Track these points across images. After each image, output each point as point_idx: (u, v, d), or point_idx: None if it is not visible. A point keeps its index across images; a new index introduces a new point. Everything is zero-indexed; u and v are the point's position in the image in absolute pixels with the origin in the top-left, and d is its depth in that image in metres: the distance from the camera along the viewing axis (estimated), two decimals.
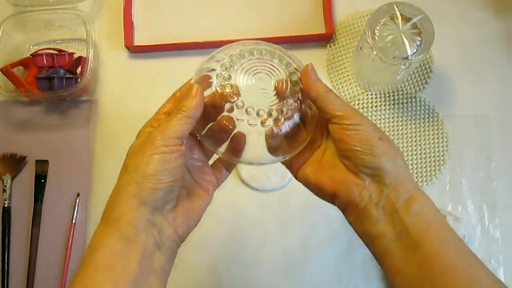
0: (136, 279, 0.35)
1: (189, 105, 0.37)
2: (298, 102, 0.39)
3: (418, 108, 0.69)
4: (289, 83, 0.39)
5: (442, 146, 0.67)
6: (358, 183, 0.38)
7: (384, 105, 0.69)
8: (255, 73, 0.39)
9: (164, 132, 0.37)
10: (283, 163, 0.43)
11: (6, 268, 0.65)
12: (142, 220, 0.36)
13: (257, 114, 0.38)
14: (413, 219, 0.36)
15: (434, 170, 0.67)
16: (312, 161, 0.42)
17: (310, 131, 0.41)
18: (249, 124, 0.39)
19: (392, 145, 0.38)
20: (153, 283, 0.36)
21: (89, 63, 0.68)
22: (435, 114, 0.68)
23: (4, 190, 0.67)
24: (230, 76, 0.39)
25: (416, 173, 0.67)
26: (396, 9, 0.59)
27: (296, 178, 0.43)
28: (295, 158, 0.42)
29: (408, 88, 0.69)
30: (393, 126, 0.68)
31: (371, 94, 0.69)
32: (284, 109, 0.39)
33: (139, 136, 0.39)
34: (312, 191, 0.42)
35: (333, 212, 0.43)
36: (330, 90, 0.39)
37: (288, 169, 0.44)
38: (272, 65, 0.40)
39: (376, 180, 0.37)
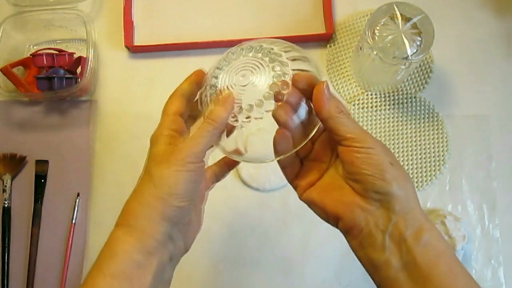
0: None
1: (220, 114, 0.37)
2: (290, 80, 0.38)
3: (418, 108, 0.69)
4: (270, 67, 0.38)
5: (442, 146, 0.67)
6: (364, 207, 0.37)
7: (384, 105, 0.69)
8: (238, 73, 0.38)
9: (192, 148, 0.36)
10: (290, 182, 0.42)
11: (6, 268, 0.65)
12: (163, 235, 0.36)
13: (257, 105, 0.37)
14: (423, 250, 0.35)
15: (434, 170, 0.67)
16: (319, 183, 0.41)
17: (316, 121, 0.39)
18: (255, 118, 0.38)
19: (402, 171, 0.37)
20: None
21: (89, 63, 0.68)
22: (435, 114, 0.68)
23: (4, 190, 0.67)
24: (216, 86, 0.38)
25: (416, 173, 0.67)
26: (396, 9, 0.59)
27: (300, 198, 0.42)
28: (303, 179, 0.41)
29: (408, 88, 0.69)
30: (393, 126, 0.68)
31: (371, 94, 0.69)
32: (279, 82, 0.37)
33: (158, 141, 0.38)
34: (315, 212, 0.41)
35: None
36: (342, 110, 0.37)
37: (295, 189, 0.43)
38: (255, 60, 0.38)
39: (384, 206, 0.36)
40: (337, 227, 0.39)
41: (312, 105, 0.38)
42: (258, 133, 0.39)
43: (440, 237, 0.36)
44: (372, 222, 0.36)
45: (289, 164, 0.42)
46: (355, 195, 0.37)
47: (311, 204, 0.41)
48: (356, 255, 0.39)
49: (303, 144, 0.39)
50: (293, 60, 0.39)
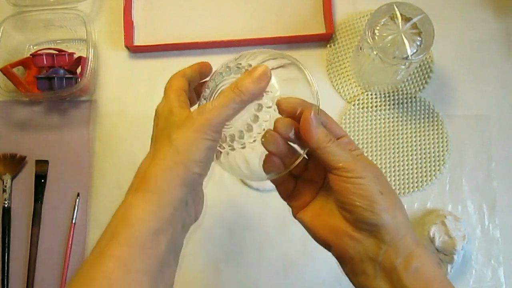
0: (162, 260, 0.35)
1: (250, 88, 0.35)
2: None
3: (418, 108, 0.69)
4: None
5: (442, 146, 0.67)
6: (354, 236, 0.37)
7: (384, 105, 0.69)
8: None
9: (216, 117, 0.35)
10: (284, 200, 0.43)
11: (6, 268, 0.65)
12: (181, 201, 0.35)
13: (247, 130, 0.37)
14: (412, 278, 0.35)
15: (434, 170, 0.67)
16: (312, 205, 0.41)
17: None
18: (249, 143, 0.38)
19: (393, 197, 0.37)
20: (172, 262, 0.37)
21: (89, 63, 0.68)
22: (435, 114, 0.68)
23: (4, 190, 0.67)
24: None
25: (416, 173, 0.67)
26: (396, 9, 0.59)
27: (294, 217, 0.42)
28: (296, 199, 0.41)
29: (408, 88, 0.69)
30: (393, 126, 0.68)
31: (371, 94, 0.69)
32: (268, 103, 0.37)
33: (173, 112, 0.37)
34: (309, 233, 0.41)
35: None
36: (331, 139, 0.37)
37: (290, 207, 0.43)
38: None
39: (374, 236, 0.36)
40: (330, 251, 0.40)
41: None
42: (252, 153, 0.38)
43: (431, 262, 0.36)
44: (362, 251, 0.36)
45: (282, 182, 0.42)
46: (345, 223, 0.37)
47: (304, 226, 0.41)
48: (350, 281, 0.39)
49: (294, 165, 0.38)
50: (284, 81, 0.38)
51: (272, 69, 0.37)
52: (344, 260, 0.38)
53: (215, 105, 0.35)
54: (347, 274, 0.39)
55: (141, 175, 0.36)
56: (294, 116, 0.37)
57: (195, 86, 0.43)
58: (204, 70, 0.41)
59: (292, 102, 0.38)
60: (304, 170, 0.42)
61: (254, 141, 0.38)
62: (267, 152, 0.38)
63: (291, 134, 0.37)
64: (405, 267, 0.35)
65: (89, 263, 0.34)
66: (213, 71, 0.42)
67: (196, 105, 0.43)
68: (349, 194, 0.36)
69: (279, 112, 0.37)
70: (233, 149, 0.39)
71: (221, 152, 0.40)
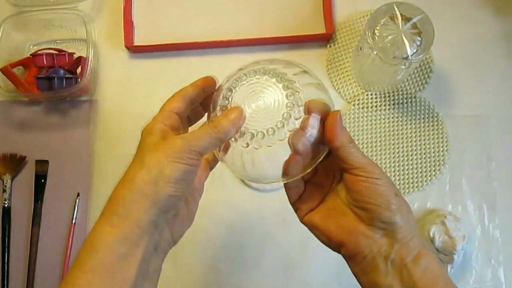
0: (133, 285, 0.34)
1: (226, 127, 0.37)
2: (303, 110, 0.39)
3: (418, 108, 0.69)
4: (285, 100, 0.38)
5: (442, 146, 0.67)
6: (368, 235, 0.38)
7: (384, 105, 0.69)
8: (253, 96, 0.39)
9: (191, 144, 0.36)
10: (292, 204, 0.43)
11: (6, 268, 0.65)
12: (148, 223, 0.35)
13: (269, 133, 0.38)
14: (422, 274, 0.37)
15: (434, 170, 0.67)
16: (321, 208, 0.42)
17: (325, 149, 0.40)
18: (267, 146, 0.38)
19: (405, 202, 0.39)
20: (146, 287, 0.36)
21: (89, 63, 0.68)
22: (435, 114, 0.68)
23: (4, 190, 0.67)
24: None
25: (416, 173, 0.67)
26: (396, 9, 0.59)
27: (301, 221, 0.43)
28: (305, 202, 0.42)
29: (408, 88, 0.69)
30: (393, 126, 0.68)
31: (371, 94, 0.69)
32: (292, 114, 0.38)
33: (151, 133, 0.37)
34: (317, 236, 0.42)
35: None
36: (353, 141, 0.39)
37: (296, 212, 0.43)
38: (268, 85, 0.39)
39: (388, 234, 0.38)
40: (339, 252, 0.40)
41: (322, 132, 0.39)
42: (266, 156, 0.39)
43: (437, 262, 0.38)
44: (375, 249, 0.38)
45: (294, 186, 0.43)
46: (359, 222, 0.39)
47: (313, 228, 0.42)
48: (358, 280, 0.39)
49: (311, 169, 0.40)
50: (307, 85, 0.39)
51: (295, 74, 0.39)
52: (356, 259, 0.39)
53: (194, 135, 0.36)
54: (355, 274, 0.40)
55: (109, 198, 0.36)
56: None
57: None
58: (208, 85, 0.41)
59: (319, 104, 0.39)
60: (314, 175, 0.43)
61: (270, 146, 0.38)
62: (277, 157, 0.39)
63: (316, 131, 0.38)
64: (415, 264, 0.37)
65: None
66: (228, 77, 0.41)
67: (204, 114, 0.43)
68: (367, 193, 0.37)
69: (306, 113, 0.38)
70: (247, 146, 0.39)
71: (227, 149, 0.40)
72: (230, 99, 0.39)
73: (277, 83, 0.39)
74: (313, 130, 0.38)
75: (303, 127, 0.38)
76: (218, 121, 0.37)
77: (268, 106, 0.38)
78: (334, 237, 0.40)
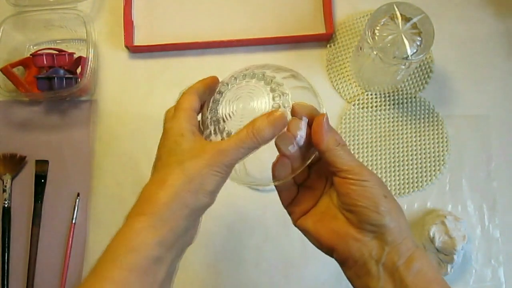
0: (161, 284, 0.35)
1: (266, 135, 0.36)
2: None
3: (418, 108, 0.69)
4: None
5: (442, 146, 0.67)
6: (358, 238, 0.38)
7: (384, 105, 0.69)
8: (239, 99, 0.39)
9: (231, 158, 0.36)
10: (285, 207, 0.43)
11: (6, 268, 0.65)
12: (183, 229, 0.36)
13: None
14: (414, 278, 0.36)
15: (434, 170, 0.67)
16: (314, 211, 0.42)
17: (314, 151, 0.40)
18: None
19: (395, 203, 0.38)
20: (167, 287, 0.37)
21: (89, 63, 0.68)
22: (435, 114, 0.68)
23: (4, 190, 0.67)
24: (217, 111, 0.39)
25: (416, 173, 0.67)
26: (396, 9, 0.59)
27: (294, 225, 0.43)
28: (298, 205, 0.42)
29: (408, 88, 0.69)
30: (393, 126, 0.68)
31: (371, 94, 0.69)
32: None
33: (184, 135, 0.37)
34: (310, 240, 0.42)
35: None
36: (340, 143, 0.38)
37: (289, 215, 0.43)
38: (256, 87, 0.39)
39: (378, 237, 0.37)
40: (332, 256, 0.40)
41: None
42: (254, 158, 0.39)
43: (430, 264, 0.37)
44: (366, 253, 0.37)
45: (286, 189, 0.43)
46: (349, 226, 0.38)
47: (306, 232, 0.42)
48: (352, 285, 0.39)
49: (300, 171, 0.40)
50: (295, 88, 0.39)
51: (284, 78, 0.39)
52: (347, 263, 0.39)
53: (231, 144, 0.36)
54: (349, 278, 0.39)
55: (146, 199, 0.36)
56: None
57: None
58: (214, 85, 0.41)
59: (306, 107, 0.39)
60: (306, 178, 0.43)
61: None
62: (266, 160, 0.39)
63: (303, 134, 0.38)
64: (407, 267, 0.36)
65: (88, 285, 0.34)
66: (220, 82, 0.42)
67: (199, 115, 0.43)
68: (355, 195, 0.37)
69: (292, 115, 0.38)
70: None
71: None
72: (219, 102, 0.39)
73: (265, 85, 0.39)
74: (299, 132, 0.38)
75: (288, 129, 0.38)
76: (261, 129, 0.36)
77: (254, 108, 0.38)
78: (325, 242, 0.40)
